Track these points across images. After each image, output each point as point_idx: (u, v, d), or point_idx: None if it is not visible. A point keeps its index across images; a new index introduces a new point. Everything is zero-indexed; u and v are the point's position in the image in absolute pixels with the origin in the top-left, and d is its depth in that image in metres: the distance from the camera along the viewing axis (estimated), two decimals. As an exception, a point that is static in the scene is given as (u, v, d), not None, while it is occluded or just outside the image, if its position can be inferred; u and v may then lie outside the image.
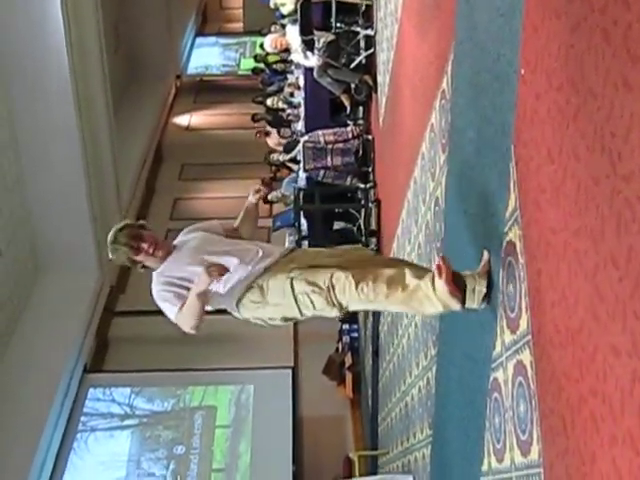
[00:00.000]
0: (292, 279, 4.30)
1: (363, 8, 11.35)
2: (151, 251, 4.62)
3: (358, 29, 11.29)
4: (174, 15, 22.67)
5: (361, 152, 11.19)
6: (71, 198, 13.45)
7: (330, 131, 11.25)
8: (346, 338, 13.54)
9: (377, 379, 10.78)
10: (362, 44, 11.34)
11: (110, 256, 4.77)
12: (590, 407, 2.77)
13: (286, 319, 4.51)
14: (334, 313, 4.35)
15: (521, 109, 3.57)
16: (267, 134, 13.62)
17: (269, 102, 14.55)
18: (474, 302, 4.15)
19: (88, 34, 13.69)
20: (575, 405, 2.93)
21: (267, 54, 15.58)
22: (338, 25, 11.29)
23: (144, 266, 4.74)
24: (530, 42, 3.41)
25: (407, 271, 4.17)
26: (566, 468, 3.03)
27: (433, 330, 6.10)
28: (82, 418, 13.28)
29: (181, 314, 4.48)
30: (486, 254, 4.24)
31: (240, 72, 24.58)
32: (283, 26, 13.48)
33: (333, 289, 4.20)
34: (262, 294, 4.40)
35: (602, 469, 2.67)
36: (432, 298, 4.09)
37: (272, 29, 14.36)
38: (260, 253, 4.58)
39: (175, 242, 4.88)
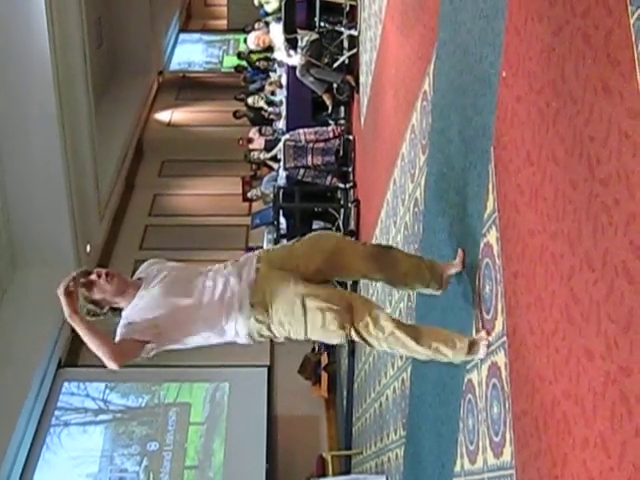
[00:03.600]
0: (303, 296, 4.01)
1: (347, 8, 11.35)
2: (102, 280, 4.07)
3: (342, 29, 11.28)
4: (158, 11, 22.59)
5: (342, 152, 11.19)
6: (50, 193, 13.37)
7: (311, 130, 11.25)
8: (322, 338, 13.52)
9: (352, 379, 10.79)
10: (345, 44, 11.34)
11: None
12: (563, 409, 2.79)
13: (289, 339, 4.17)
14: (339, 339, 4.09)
15: (502, 111, 3.58)
16: (250, 141, 13.58)
17: (250, 101, 14.51)
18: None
19: (71, 28, 13.60)
20: (548, 407, 2.94)
21: (250, 52, 15.55)
22: (322, 24, 11.28)
23: (113, 309, 4.15)
24: (512, 44, 3.42)
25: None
26: (538, 470, 3.04)
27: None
28: (56, 412, 13.20)
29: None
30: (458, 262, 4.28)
31: (223, 70, 24.54)
32: (267, 24, 13.46)
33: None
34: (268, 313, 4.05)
35: (573, 471, 2.68)
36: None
37: (256, 26, 14.34)
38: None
39: (139, 275, 4.31)
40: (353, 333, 3.98)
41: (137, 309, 4.06)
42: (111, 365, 3.89)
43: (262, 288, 4.07)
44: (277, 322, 4.04)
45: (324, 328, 3.99)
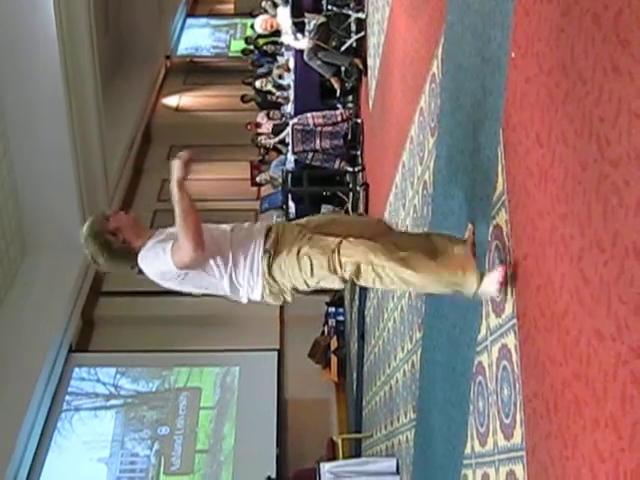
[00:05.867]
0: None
1: (355, -9, 11.33)
2: (120, 213, 4.29)
3: (349, 12, 11.25)
4: (165, -5, 22.56)
5: (350, 135, 11.18)
6: (58, 177, 13.39)
7: (319, 114, 11.23)
8: (332, 321, 13.56)
9: (362, 363, 10.80)
10: (353, 27, 11.31)
11: (88, 252, 4.15)
12: (573, 391, 2.78)
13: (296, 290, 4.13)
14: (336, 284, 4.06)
15: (511, 93, 3.57)
16: (258, 125, 13.58)
17: (258, 84, 14.50)
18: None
19: (78, 13, 13.59)
20: (559, 389, 2.93)
21: (258, 36, 15.52)
22: (329, 7, 11.25)
23: (124, 241, 4.14)
24: (521, 25, 3.41)
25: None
26: (548, 451, 3.04)
27: (419, 313, 6.11)
28: (67, 397, 13.28)
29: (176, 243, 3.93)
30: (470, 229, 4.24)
31: (230, 54, 24.50)
32: (275, 5, 13.42)
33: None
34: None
35: (584, 452, 2.68)
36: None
37: (262, 4, 14.32)
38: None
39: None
40: (346, 274, 3.94)
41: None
42: (192, 254, 3.84)
43: (274, 237, 4.10)
44: (279, 271, 4.03)
45: (317, 272, 3.97)
